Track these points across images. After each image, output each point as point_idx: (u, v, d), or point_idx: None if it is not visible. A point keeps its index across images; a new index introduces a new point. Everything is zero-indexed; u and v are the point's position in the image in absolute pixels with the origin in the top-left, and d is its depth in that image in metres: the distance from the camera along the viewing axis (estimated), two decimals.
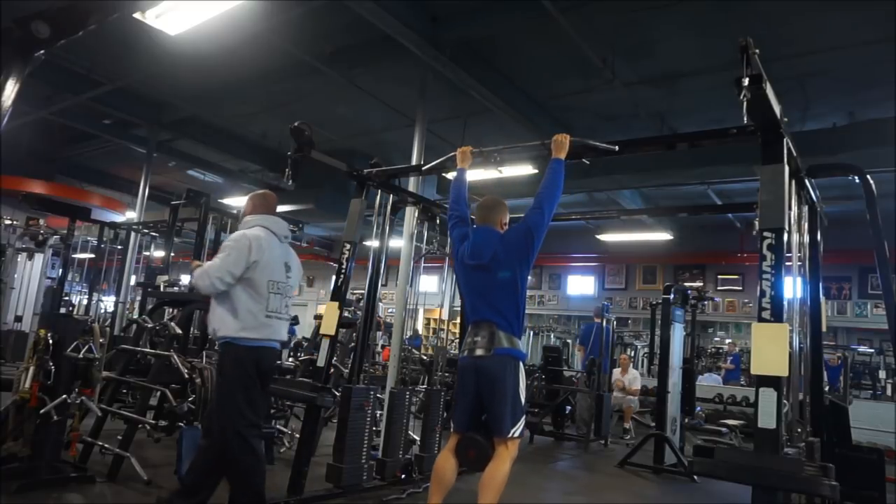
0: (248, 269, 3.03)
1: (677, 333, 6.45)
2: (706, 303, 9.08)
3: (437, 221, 5.35)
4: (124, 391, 5.50)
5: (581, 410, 7.56)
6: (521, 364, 2.98)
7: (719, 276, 13.06)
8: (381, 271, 4.88)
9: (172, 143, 10.19)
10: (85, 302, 9.13)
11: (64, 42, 2.51)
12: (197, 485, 3.00)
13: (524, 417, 2.99)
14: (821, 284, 3.76)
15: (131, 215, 10.60)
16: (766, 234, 2.69)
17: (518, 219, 3.28)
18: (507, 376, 2.89)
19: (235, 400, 2.98)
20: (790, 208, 3.05)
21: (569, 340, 14.61)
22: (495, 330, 2.93)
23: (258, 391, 3.07)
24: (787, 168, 2.79)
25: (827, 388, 5.08)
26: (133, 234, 8.87)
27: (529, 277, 3.20)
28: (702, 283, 11.96)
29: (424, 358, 7.81)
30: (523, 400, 2.97)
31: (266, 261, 3.07)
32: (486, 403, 2.93)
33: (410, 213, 5.52)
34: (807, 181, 3.46)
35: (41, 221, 7.24)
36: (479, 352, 2.93)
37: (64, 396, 3.68)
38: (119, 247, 8.89)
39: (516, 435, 2.89)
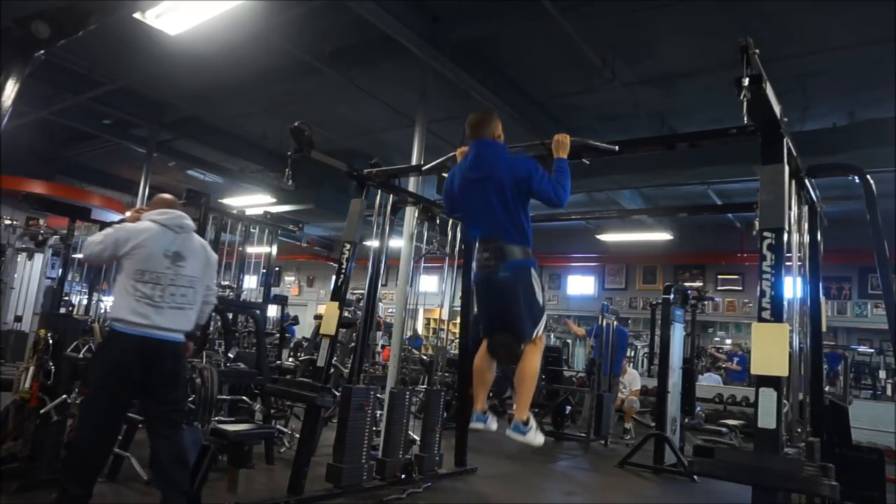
0: (123, 256, 3.07)
1: (677, 333, 6.46)
2: (706, 303, 9.08)
3: (437, 221, 5.35)
4: None
5: (585, 410, 7.56)
6: (533, 271, 3.01)
7: (719, 276, 13.06)
8: (381, 271, 4.89)
9: (172, 143, 10.18)
10: (85, 302, 9.12)
11: (64, 42, 2.51)
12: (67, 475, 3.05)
13: (545, 315, 3.08)
14: (821, 284, 3.76)
15: None
16: (766, 234, 2.69)
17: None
18: (520, 287, 2.94)
19: (93, 380, 3.12)
20: (790, 208, 3.05)
21: (569, 340, 14.61)
22: (502, 244, 2.95)
23: (123, 378, 3.02)
24: (787, 168, 2.79)
25: (826, 377, 5.06)
26: None
27: None
28: (702, 283, 11.95)
29: (424, 358, 7.82)
30: (542, 301, 3.03)
31: (142, 250, 3.08)
32: (507, 313, 2.99)
33: (410, 213, 5.52)
34: (807, 181, 3.46)
35: (41, 221, 7.24)
36: (490, 267, 2.96)
37: (64, 396, 3.68)
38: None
39: (539, 334, 3.03)
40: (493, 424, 3.08)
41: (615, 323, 8.00)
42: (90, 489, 2.95)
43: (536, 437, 2.98)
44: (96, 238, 3.14)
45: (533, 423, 2.98)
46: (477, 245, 3.08)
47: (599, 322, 7.99)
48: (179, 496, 2.96)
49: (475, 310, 3.47)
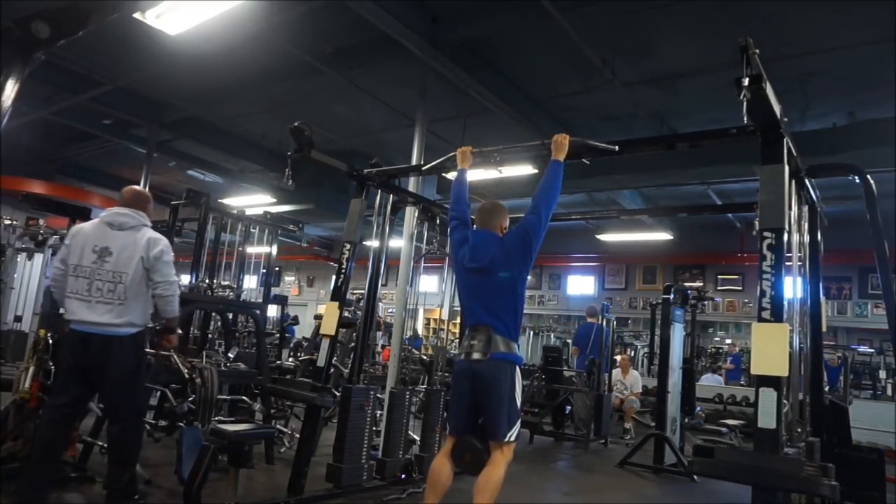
0: (68, 256, 3.29)
1: (677, 333, 6.45)
2: (706, 303, 9.08)
3: (437, 221, 5.35)
4: None
5: (578, 410, 7.57)
6: (517, 368, 2.99)
7: (719, 276, 13.06)
8: (381, 271, 4.89)
9: (172, 143, 10.18)
10: None
11: (64, 42, 2.51)
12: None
13: (520, 421, 3.01)
14: (821, 284, 3.76)
15: None
16: (766, 234, 2.69)
17: (518, 219, 3.29)
18: (503, 381, 2.91)
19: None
20: (790, 208, 3.05)
21: (568, 340, 14.59)
22: (492, 334, 2.95)
23: (65, 370, 3.29)
24: (787, 168, 2.79)
25: (827, 389, 5.08)
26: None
27: (529, 277, 3.21)
28: (702, 283, 11.94)
29: (424, 358, 7.82)
30: (519, 404, 2.98)
31: (75, 248, 3.29)
32: (483, 407, 2.94)
33: (410, 213, 5.52)
34: (807, 181, 3.46)
35: (41, 221, 7.22)
36: (475, 355, 2.95)
37: None
38: None
39: (512, 439, 2.92)
40: None
41: (614, 322, 8.02)
42: (43, 491, 3.06)
43: None
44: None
45: None
46: (467, 331, 3.09)
47: (597, 322, 8.01)
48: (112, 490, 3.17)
49: (450, 400, 3.35)
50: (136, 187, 3.75)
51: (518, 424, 2.97)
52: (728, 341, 12.98)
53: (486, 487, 2.79)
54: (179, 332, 3.97)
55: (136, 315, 3.32)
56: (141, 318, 3.36)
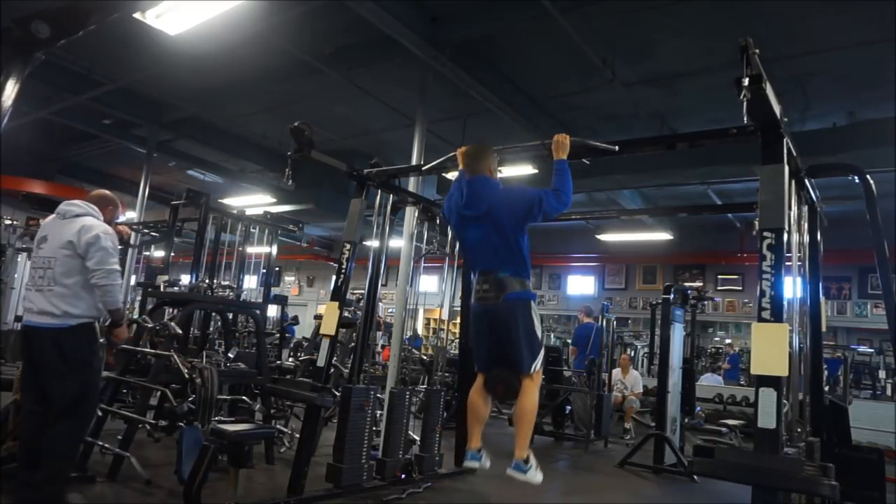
0: None
1: (677, 333, 6.45)
2: (706, 303, 9.08)
3: (437, 221, 5.35)
4: (124, 391, 5.50)
5: (578, 410, 7.57)
6: (532, 303, 3.02)
7: (719, 276, 13.05)
8: (381, 271, 4.89)
9: (172, 143, 10.18)
10: None
11: (64, 42, 2.51)
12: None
13: (543, 350, 3.07)
14: (821, 284, 3.76)
15: (131, 215, 10.60)
16: (766, 234, 2.69)
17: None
18: (519, 319, 2.95)
19: None
20: (790, 208, 3.05)
21: (569, 340, 14.59)
22: (501, 277, 2.96)
23: (24, 369, 3.30)
24: (787, 168, 2.79)
25: (825, 380, 5.06)
26: (133, 234, 8.86)
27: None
28: (702, 283, 11.94)
29: (424, 358, 7.82)
30: (540, 334, 3.04)
31: (36, 241, 3.38)
32: (505, 346, 2.99)
33: (410, 213, 5.51)
34: (807, 181, 3.46)
35: (41, 221, 7.23)
36: (489, 299, 2.97)
37: None
38: (119, 247, 8.88)
39: (537, 368, 3.01)
40: (486, 463, 3.04)
41: (613, 322, 8.02)
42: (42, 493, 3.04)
43: (536, 475, 2.93)
44: None
45: (533, 460, 2.92)
46: (476, 277, 3.09)
47: (594, 322, 8.05)
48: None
49: (470, 342, 3.43)
50: (107, 192, 3.78)
51: (542, 353, 3.03)
52: (728, 341, 12.98)
53: (524, 414, 2.96)
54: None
55: (75, 306, 3.16)
56: (81, 310, 3.18)
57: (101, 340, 3.51)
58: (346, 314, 5.14)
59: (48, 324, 3.12)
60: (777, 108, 2.71)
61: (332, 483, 4.00)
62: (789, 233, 2.95)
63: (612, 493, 5.19)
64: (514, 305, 2.95)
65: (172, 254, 7.30)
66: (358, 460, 4.09)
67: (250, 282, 7.61)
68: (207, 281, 5.59)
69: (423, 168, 4.32)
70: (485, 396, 3.11)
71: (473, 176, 3.16)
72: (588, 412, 7.20)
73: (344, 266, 4.19)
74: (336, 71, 6.69)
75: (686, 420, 6.73)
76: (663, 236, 11.69)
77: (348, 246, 4.23)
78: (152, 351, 4.52)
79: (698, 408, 7.57)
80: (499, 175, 3.32)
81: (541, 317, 3.07)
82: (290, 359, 6.82)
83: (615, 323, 8.63)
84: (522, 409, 2.96)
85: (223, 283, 5.94)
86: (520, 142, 3.87)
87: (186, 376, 3.98)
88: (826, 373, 5.36)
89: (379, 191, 4.71)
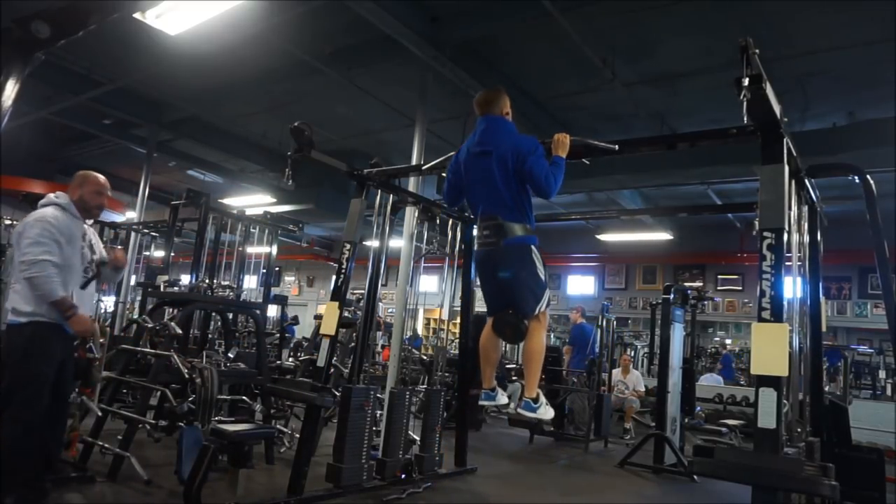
0: None
1: (677, 333, 6.45)
2: (706, 303, 9.09)
3: (437, 221, 5.34)
4: (124, 391, 5.50)
5: (577, 410, 7.58)
6: (533, 248, 3.03)
7: (719, 276, 13.06)
8: (381, 271, 4.88)
9: (172, 143, 10.19)
10: None
11: (64, 42, 2.51)
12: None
13: (547, 291, 3.10)
14: (821, 284, 3.76)
15: (131, 215, 10.60)
16: (766, 234, 2.69)
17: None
18: (521, 263, 2.98)
19: None
20: (790, 208, 3.05)
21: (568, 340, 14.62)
22: (502, 222, 2.98)
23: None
24: (787, 168, 2.79)
25: (826, 371, 5.06)
26: (133, 234, 8.87)
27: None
28: (702, 283, 11.94)
29: (424, 358, 7.82)
30: (543, 278, 3.06)
31: None
32: (508, 290, 3.02)
33: (410, 213, 5.51)
34: (807, 181, 3.46)
35: None
36: (490, 244, 3.00)
37: None
38: (119, 247, 8.89)
39: (542, 310, 3.05)
40: (502, 399, 3.14)
41: (614, 322, 8.03)
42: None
43: (547, 412, 3.05)
44: None
45: (542, 399, 3.05)
46: (479, 221, 3.13)
47: (577, 322, 8.12)
48: None
49: (479, 286, 3.46)
50: (83, 172, 3.48)
51: (546, 296, 3.07)
52: (728, 341, 12.98)
53: (532, 355, 3.06)
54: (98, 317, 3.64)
55: (18, 301, 3.01)
56: (23, 306, 3.00)
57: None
58: (346, 314, 5.14)
59: (9, 321, 3.06)
60: (777, 108, 2.71)
61: (332, 483, 4.00)
62: (789, 233, 2.95)
63: (612, 493, 5.19)
64: (515, 250, 2.98)
65: (172, 254, 7.31)
66: (358, 460, 4.08)
67: (250, 282, 7.61)
68: (207, 281, 5.59)
69: (423, 168, 4.32)
70: (494, 340, 3.18)
71: (488, 115, 3.20)
72: (587, 412, 7.21)
73: (344, 266, 4.19)
74: (336, 71, 6.69)
75: (686, 420, 6.73)
76: (663, 236, 11.69)
77: (348, 246, 4.22)
78: (152, 351, 4.53)
79: (698, 408, 7.57)
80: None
81: (542, 260, 3.07)
82: (290, 359, 6.81)
83: (615, 323, 8.64)
84: (531, 350, 3.05)
85: (223, 283, 5.94)
86: None
87: (186, 376, 3.98)
88: (826, 363, 5.37)
89: (379, 191, 4.70)
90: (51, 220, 3.10)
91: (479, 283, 3.32)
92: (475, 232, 3.17)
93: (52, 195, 3.31)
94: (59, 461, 3.56)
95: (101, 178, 3.44)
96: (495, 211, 3.00)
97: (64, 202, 3.26)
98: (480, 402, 3.20)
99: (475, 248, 3.20)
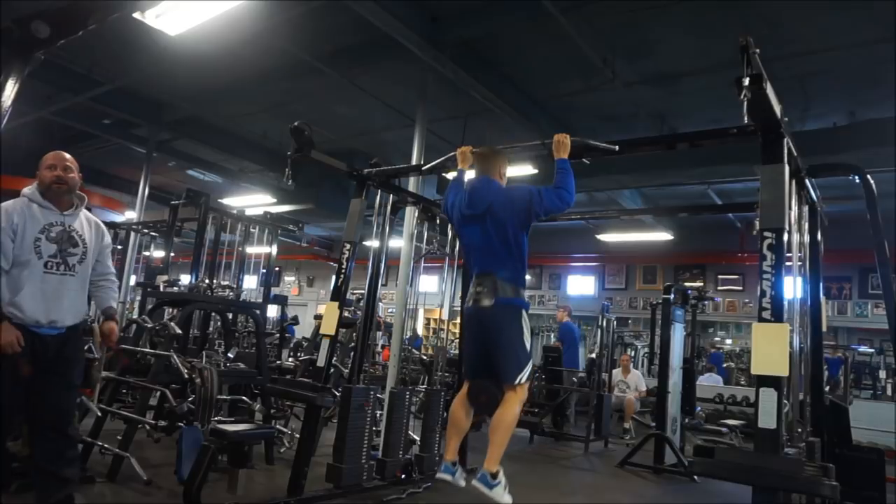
0: None
1: (677, 333, 6.46)
2: (706, 303, 9.09)
3: (437, 221, 5.35)
4: (124, 391, 5.50)
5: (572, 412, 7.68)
6: (523, 312, 3.00)
7: (719, 276, 13.05)
8: (381, 271, 4.88)
9: (172, 143, 10.18)
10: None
11: (64, 42, 2.50)
12: None
13: (531, 362, 3.03)
14: (821, 284, 3.76)
15: (131, 215, 10.60)
16: (766, 233, 2.69)
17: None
18: (510, 325, 2.93)
19: None
20: (790, 208, 3.05)
21: None
22: (497, 280, 2.96)
23: None
24: (787, 168, 2.79)
25: (826, 380, 5.07)
26: (133, 233, 8.87)
27: (528, 277, 3.20)
28: (702, 283, 11.95)
29: (424, 358, 7.82)
30: (528, 347, 3.00)
31: None
32: (492, 352, 2.96)
33: (410, 213, 5.51)
34: (807, 181, 3.46)
35: None
36: (483, 302, 2.96)
37: None
38: (119, 247, 8.89)
39: (523, 380, 2.94)
40: (460, 480, 2.95)
41: (614, 322, 8.05)
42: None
43: (503, 496, 2.74)
44: None
45: (502, 478, 2.77)
46: (473, 279, 3.09)
47: (564, 320, 8.19)
48: None
49: (463, 347, 3.41)
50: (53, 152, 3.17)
51: (529, 366, 2.98)
52: (728, 341, 12.98)
53: (501, 425, 2.84)
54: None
55: None
56: None
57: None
58: (346, 314, 5.14)
59: None
60: (777, 108, 2.71)
61: (332, 483, 4.00)
62: (790, 233, 2.95)
63: (612, 493, 5.19)
64: (508, 310, 2.94)
65: (172, 254, 7.31)
66: (358, 460, 4.08)
67: (250, 282, 7.61)
68: (207, 281, 5.60)
69: (423, 168, 4.32)
70: (467, 407, 3.04)
71: (480, 175, 3.19)
72: (571, 407, 7.27)
73: (344, 266, 4.19)
74: (336, 71, 6.69)
75: (686, 420, 6.73)
76: (663, 236, 11.69)
77: (348, 246, 4.23)
78: (152, 351, 4.53)
79: (698, 408, 7.57)
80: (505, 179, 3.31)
81: (531, 328, 3.04)
82: (290, 359, 6.82)
83: (615, 323, 8.64)
84: (500, 418, 2.85)
85: (223, 283, 5.94)
86: (520, 141, 3.87)
87: (186, 376, 3.98)
88: (826, 374, 5.36)
89: (379, 191, 4.71)
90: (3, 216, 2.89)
91: (464, 342, 3.22)
92: (470, 289, 3.09)
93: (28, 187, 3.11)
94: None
95: (56, 153, 3.11)
96: (491, 270, 2.98)
97: (29, 191, 3.08)
98: (438, 475, 3.00)
99: (466, 305, 3.11)
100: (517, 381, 2.90)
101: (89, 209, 3.30)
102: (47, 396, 2.92)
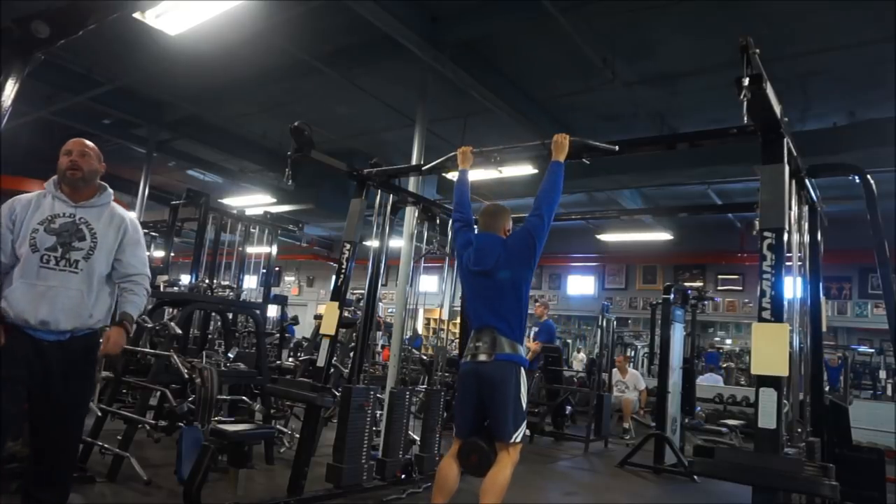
0: None
1: (677, 333, 6.45)
2: (706, 303, 9.09)
3: (437, 221, 5.35)
4: (124, 391, 5.50)
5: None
6: (522, 370, 2.99)
7: (719, 276, 13.05)
8: (381, 271, 4.88)
9: (172, 143, 10.18)
10: None
11: (64, 42, 2.50)
12: None
13: (525, 423, 3.01)
14: (821, 284, 3.76)
15: (131, 215, 10.58)
16: (766, 233, 2.68)
17: (520, 220, 3.29)
18: (508, 382, 2.91)
19: None
20: (790, 208, 3.05)
21: (569, 340, 14.63)
22: (497, 335, 2.95)
23: None
24: (787, 168, 2.79)
25: (827, 389, 5.09)
26: None
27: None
28: (702, 283, 11.96)
29: (424, 358, 7.82)
30: (525, 405, 2.98)
31: None
32: (488, 409, 2.94)
33: (410, 213, 5.51)
34: (807, 181, 3.46)
35: None
36: (481, 357, 2.95)
37: None
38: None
39: (518, 440, 2.91)
40: None
41: (614, 322, 8.04)
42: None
43: None
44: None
45: None
46: (472, 333, 3.09)
47: (542, 318, 8.24)
48: None
49: (455, 404, 3.33)
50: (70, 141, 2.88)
51: (524, 426, 2.97)
52: (728, 341, 12.98)
53: (492, 489, 2.78)
54: None
55: None
56: None
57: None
58: (346, 314, 5.15)
59: None
60: (777, 108, 2.71)
61: (332, 483, 4.00)
62: (789, 233, 2.95)
63: (612, 493, 5.19)
64: (507, 367, 2.92)
65: (172, 254, 7.31)
66: (358, 460, 4.08)
67: (250, 282, 7.61)
68: (207, 281, 5.60)
69: (423, 168, 4.32)
70: (456, 468, 2.96)
71: (485, 232, 3.23)
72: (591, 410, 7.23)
73: (344, 266, 4.19)
74: (336, 71, 6.69)
75: (686, 420, 6.73)
76: (663, 236, 11.69)
77: (348, 246, 4.22)
78: (152, 351, 4.53)
79: (698, 408, 7.58)
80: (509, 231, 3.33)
81: (528, 386, 3.03)
82: (290, 359, 6.82)
83: (615, 323, 8.64)
84: (493, 481, 2.77)
85: (223, 283, 5.95)
86: (520, 141, 3.87)
87: (186, 376, 3.98)
88: (826, 379, 5.38)
89: (379, 191, 4.70)
90: (5, 207, 2.67)
91: (457, 399, 3.17)
92: (469, 343, 3.08)
93: None
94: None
95: (77, 139, 2.82)
96: (492, 323, 2.99)
97: (50, 182, 2.78)
98: None
99: (464, 360, 3.07)
100: (512, 440, 2.87)
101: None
102: (43, 428, 2.62)
